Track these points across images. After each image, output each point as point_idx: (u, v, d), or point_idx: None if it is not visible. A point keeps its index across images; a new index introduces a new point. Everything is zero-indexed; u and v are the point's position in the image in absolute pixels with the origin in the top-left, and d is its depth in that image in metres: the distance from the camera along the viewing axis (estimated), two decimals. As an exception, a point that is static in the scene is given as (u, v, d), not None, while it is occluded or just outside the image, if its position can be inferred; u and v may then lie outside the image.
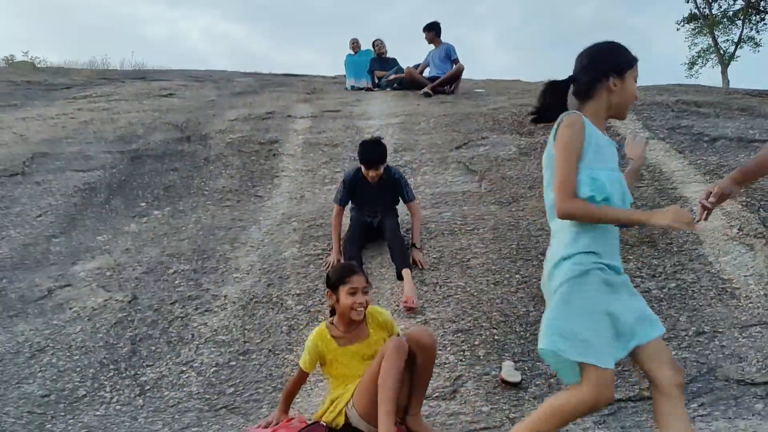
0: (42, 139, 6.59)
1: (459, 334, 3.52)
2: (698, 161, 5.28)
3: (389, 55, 9.33)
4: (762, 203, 4.67)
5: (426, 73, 8.38)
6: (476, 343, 3.44)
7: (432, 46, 8.35)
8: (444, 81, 7.85)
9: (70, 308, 4.00)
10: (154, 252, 4.57)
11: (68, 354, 3.55)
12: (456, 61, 8.04)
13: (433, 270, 4.13)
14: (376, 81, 8.92)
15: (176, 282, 4.20)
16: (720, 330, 3.44)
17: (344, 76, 9.69)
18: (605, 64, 2.08)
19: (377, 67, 8.98)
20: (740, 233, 4.31)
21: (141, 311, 3.92)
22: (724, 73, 22.62)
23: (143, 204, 5.36)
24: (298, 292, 4.01)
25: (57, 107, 8.23)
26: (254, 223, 4.87)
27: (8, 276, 4.41)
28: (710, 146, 5.57)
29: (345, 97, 7.95)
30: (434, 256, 4.26)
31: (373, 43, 9.25)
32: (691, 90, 7.56)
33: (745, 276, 3.90)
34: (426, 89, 7.73)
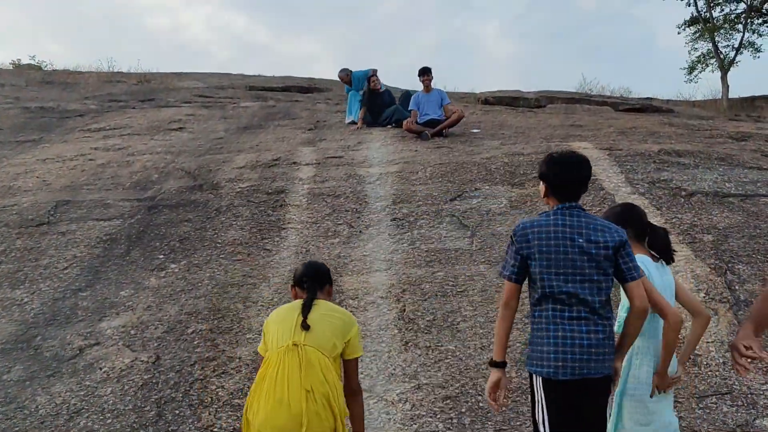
0: (63, 186, 7.05)
1: (448, 401, 3.97)
2: (674, 219, 5.71)
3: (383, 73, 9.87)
4: (729, 265, 5.12)
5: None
6: (463, 410, 3.89)
7: (420, 89, 8.87)
8: (445, 126, 8.32)
9: (101, 368, 4.46)
10: (173, 310, 5.03)
11: (102, 417, 4.00)
12: (446, 107, 8.71)
13: (426, 333, 4.58)
14: (368, 119, 9.33)
15: (195, 342, 4.66)
16: (680, 400, 3.88)
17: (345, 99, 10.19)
18: None
19: (367, 102, 9.38)
20: (706, 297, 4.75)
21: (164, 372, 4.37)
22: (723, 78, 22.95)
23: (161, 257, 5.81)
24: (304, 354, 4.45)
25: (73, 144, 8.68)
26: (264, 281, 5.32)
27: (42, 333, 4.87)
28: (687, 202, 6.00)
29: (346, 139, 8.39)
30: (428, 318, 4.71)
31: (368, 79, 9.63)
32: (674, 135, 7.97)
33: (707, 342, 4.34)
34: (427, 132, 8.20)
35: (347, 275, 5.30)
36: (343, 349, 2.71)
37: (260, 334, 4.80)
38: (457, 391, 4.04)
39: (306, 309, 2.71)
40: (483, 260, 5.35)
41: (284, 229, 6.10)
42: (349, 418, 2.77)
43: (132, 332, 4.82)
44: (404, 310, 4.83)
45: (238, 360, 4.45)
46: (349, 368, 2.78)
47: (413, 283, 5.12)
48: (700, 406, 3.84)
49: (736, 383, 3.95)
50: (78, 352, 4.65)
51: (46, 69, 19.25)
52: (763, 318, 2.35)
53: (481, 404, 3.93)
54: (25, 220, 6.41)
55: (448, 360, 4.31)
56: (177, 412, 4.03)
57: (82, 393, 4.23)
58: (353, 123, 9.48)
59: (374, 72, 9.65)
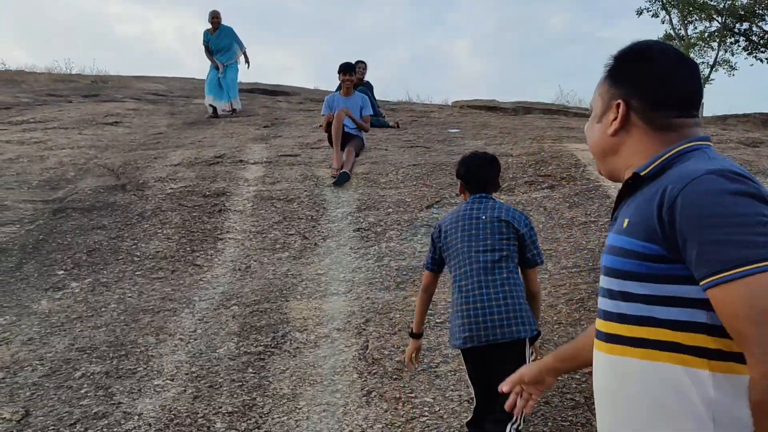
0: (-46, 184, 5.76)
1: (424, 483, 2.84)
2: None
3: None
4: None
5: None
6: (445, 497, 2.76)
7: (338, 91, 6.55)
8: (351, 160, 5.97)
9: (-57, 429, 3.21)
10: (61, 344, 3.80)
11: (-76, 508, 2.77)
12: (365, 118, 6.40)
13: (395, 379, 3.44)
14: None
15: (82, 391, 3.44)
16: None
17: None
18: None
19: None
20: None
21: (31, 436, 3.15)
22: (698, 95, 22.61)
23: (61, 272, 4.58)
24: (230, 409, 3.29)
25: (-16, 137, 7.37)
26: (187, 305, 4.13)
27: None
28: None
29: (306, 136, 7.25)
30: (397, 359, 3.58)
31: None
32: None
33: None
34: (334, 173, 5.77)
35: (295, 300, 4.14)
36: None
37: (172, 380, 3.65)
38: (436, 466, 2.91)
39: None
40: (468, 282, 4.24)
41: (221, 239, 4.92)
42: None
43: (0, 376, 3.58)
44: (367, 347, 3.70)
45: (137, 418, 3.25)
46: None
47: (379, 310, 3.99)
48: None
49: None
50: None
51: (-3, 68, 17.73)
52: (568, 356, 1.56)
53: (470, 487, 2.80)
54: None
55: (425, 418, 3.18)
56: (36, 499, 2.82)
57: None
58: (213, 111, 8.30)
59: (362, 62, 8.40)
